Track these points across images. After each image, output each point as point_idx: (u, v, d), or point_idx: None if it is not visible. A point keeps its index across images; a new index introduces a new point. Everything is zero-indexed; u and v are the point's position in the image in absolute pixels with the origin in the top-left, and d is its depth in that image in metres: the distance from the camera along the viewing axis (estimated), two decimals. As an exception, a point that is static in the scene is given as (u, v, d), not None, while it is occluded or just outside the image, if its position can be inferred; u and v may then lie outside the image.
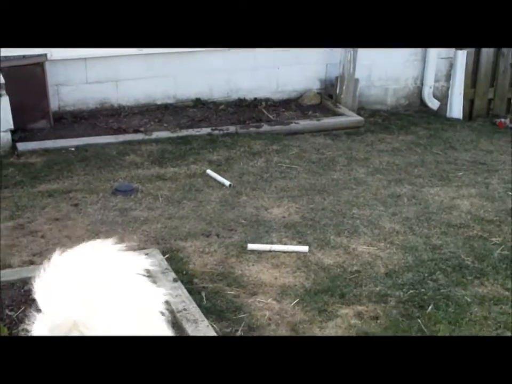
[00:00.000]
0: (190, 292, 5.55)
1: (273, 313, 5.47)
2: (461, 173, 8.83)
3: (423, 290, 5.80)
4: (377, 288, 5.86)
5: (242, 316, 5.40)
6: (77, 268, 3.01)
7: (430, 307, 5.53)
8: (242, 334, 5.15)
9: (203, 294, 5.67)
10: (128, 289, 3.03)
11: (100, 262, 3.03)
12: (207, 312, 5.38)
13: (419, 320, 5.34)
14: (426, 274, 6.08)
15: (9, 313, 5.06)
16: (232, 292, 5.76)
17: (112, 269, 3.04)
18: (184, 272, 6.00)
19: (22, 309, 5.10)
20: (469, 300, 5.68)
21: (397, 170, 8.95)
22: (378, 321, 5.38)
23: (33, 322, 3.33)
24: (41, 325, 3.13)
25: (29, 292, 5.41)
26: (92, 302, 2.90)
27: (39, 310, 3.20)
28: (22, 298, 5.30)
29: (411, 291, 5.79)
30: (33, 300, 4.91)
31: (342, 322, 5.35)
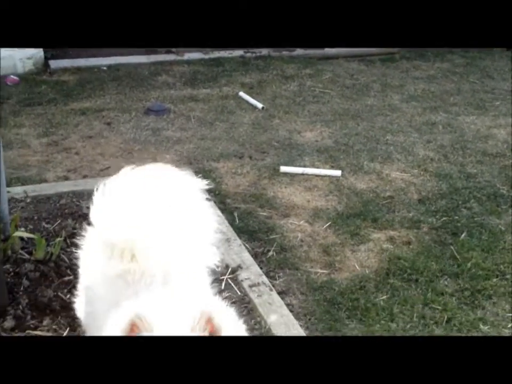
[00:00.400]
0: (222, 212, 5.56)
1: (306, 235, 5.48)
2: (498, 102, 8.64)
3: (456, 217, 5.76)
4: (410, 214, 5.83)
5: (274, 236, 5.42)
6: (136, 186, 3.03)
7: (463, 234, 5.49)
8: (274, 254, 5.17)
9: (235, 214, 5.69)
10: (184, 210, 3.05)
11: (158, 181, 3.05)
12: (239, 232, 5.40)
13: (452, 247, 5.32)
14: (460, 202, 6.03)
15: (45, 225, 5.12)
16: (265, 213, 5.77)
17: (169, 188, 3.06)
18: (216, 193, 6.01)
19: (58, 222, 5.16)
20: (502, 228, 5.63)
21: (432, 97, 8.79)
22: (411, 246, 5.37)
23: (85, 237, 3.38)
24: (94, 240, 3.17)
25: (64, 206, 5.48)
26: (150, 223, 2.92)
27: (90, 224, 3.24)
28: (58, 211, 5.36)
29: (444, 218, 5.75)
30: (70, 214, 4.97)
31: (374, 246, 5.35)
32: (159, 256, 2.83)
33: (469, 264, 5.09)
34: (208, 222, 3.12)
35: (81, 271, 3.44)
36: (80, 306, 3.46)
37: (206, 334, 2.35)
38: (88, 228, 3.32)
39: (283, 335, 4.16)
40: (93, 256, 3.11)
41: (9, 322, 4.07)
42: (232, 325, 2.60)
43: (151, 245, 2.84)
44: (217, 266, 3.16)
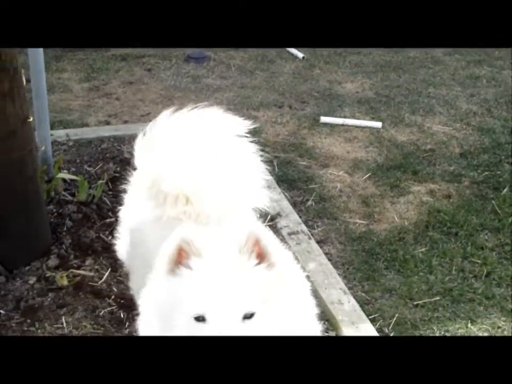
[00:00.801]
0: (262, 161, 5.54)
1: (345, 186, 5.46)
2: (545, 57, 8.42)
3: (498, 172, 5.67)
4: (451, 168, 5.76)
5: (313, 186, 5.41)
6: (183, 130, 3.00)
7: (505, 189, 5.42)
8: (313, 203, 5.17)
9: (275, 163, 5.68)
10: (231, 152, 3.03)
11: (204, 124, 3.02)
12: (279, 180, 5.41)
13: (493, 202, 5.25)
14: (503, 157, 5.93)
15: (87, 168, 5.18)
16: (304, 163, 5.76)
17: (216, 131, 3.03)
18: (255, 141, 5.97)
19: (99, 165, 5.22)
20: (546, 184, 5.54)
21: (476, 51, 8.58)
22: (451, 199, 5.32)
23: (129, 180, 3.39)
24: (140, 184, 3.16)
25: (106, 150, 5.53)
26: (200, 167, 2.91)
27: (135, 169, 3.25)
28: (99, 155, 5.41)
29: (486, 172, 5.67)
30: (111, 158, 5.00)
31: (413, 199, 5.32)
32: (213, 198, 2.83)
33: (510, 219, 5.03)
34: (256, 163, 3.10)
35: (125, 214, 3.47)
36: (122, 248, 3.50)
37: (253, 256, 2.33)
38: (133, 171, 3.34)
39: (321, 283, 4.19)
40: (139, 200, 3.12)
41: (53, 261, 4.16)
42: (279, 248, 2.58)
43: (205, 189, 2.84)
44: (267, 208, 3.14)
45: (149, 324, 2.47)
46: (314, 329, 2.58)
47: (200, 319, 2.22)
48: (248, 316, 2.22)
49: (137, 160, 3.13)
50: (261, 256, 2.34)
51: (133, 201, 3.28)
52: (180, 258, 2.32)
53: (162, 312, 2.35)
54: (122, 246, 3.47)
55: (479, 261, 4.61)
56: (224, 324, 2.18)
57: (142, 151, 3.10)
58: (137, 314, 3.73)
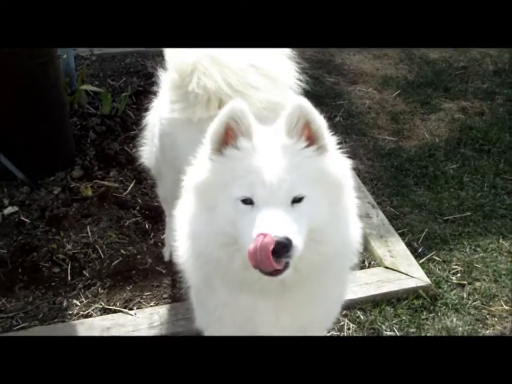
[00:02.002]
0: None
1: (374, 102, 5.31)
2: None
3: (534, 89, 5.49)
4: (485, 85, 5.57)
5: (341, 102, 5.26)
6: None
7: (542, 106, 5.25)
8: (341, 119, 5.04)
9: (302, 78, 5.52)
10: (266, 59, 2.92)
11: None
12: (306, 96, 5.17)
13: (527, 119, 5.09)
14: (539, 74, 5.72)
15: (111, 82, 5.08)
16: (332, 79, 5.59)
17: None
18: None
19: (123, 79, 5.11)
20: None
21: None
22: (484, 117, 5.15)
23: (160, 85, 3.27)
24: (170, 87, 3.03)
25: (129, 65, 5.40)
26: (235, 73, 2.80)
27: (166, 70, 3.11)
28: (123, 70, 5.30)
29: (521, 90, 5.48)
30: (135, 72, 4.88)
31: (445, 116, 5.16)
32: (258, 96, 2.73)
33: (545, 137, 4.88)
34: (287, 65, 2.97)
35: (153, 118, 3.34)
36: (148, 154, 3.39)
37: (303, 139, 2.15)
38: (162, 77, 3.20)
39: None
40: (169, 102, 3.00)
41: (77, 172, 4.11)
42: (327, 132, 2.31)
43: (239, 92, 2.73)
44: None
45: (188, 205, 2.34)
46: (356, 225, 2.46)
47: (247, 201, 2.08)
48: (297, 200, 2.08)
49: (168, 58, 2.98)
50: (312, 138, 2.17)
51: (162, 104, 3.15)
52: (227, 138, 2.16)
53: (205, 192, 2.20)
54: (148, 152, 3.36)
55: (511, 178, 4.49)
56: (273, 207, 2.04)
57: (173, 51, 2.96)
58: (163, 225, 3.72)
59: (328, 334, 3.33)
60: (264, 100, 2.74)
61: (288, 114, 2.14)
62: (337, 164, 2.22)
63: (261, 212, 2.04)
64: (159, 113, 3.10)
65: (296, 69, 2.97)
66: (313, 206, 2.12)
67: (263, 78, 2.79)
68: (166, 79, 3.03)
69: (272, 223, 1.99)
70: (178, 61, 2.85)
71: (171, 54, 2.92)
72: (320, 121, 2.21)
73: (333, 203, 2.18)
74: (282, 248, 1.94)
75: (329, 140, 2.24)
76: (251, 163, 2.11)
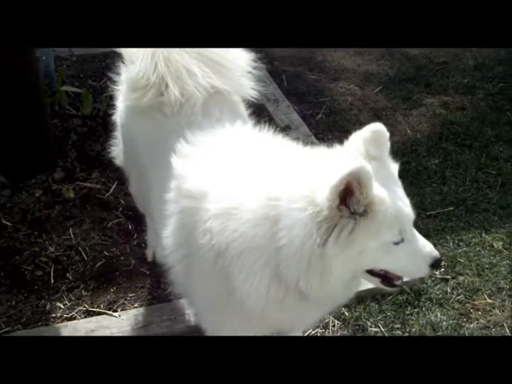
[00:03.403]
0: (271, 74, 5.40)
1: (356, 99, 5.32)
2: None
3: (515, 83, 5.51)
4: (465, 80, 5.59)
5: (323, 99, 5.27)
6: None
7: (521, 100, 5.27)
8: (324, 116, 5.04)
9: (283, 76, 5.52)
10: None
11: None
12: (288, 94, 5.25)
13: (508, 113, 5.12)
14: (519, 68, 5.75)
15: (92, 83, 5.04)
16: (314, 76, 5.59)
17: None
18: (264, 55, 5.81)
19: (104, 80, 5.07)
20: None
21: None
22: (465, 111, 5.17)
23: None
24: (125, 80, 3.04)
25: (110, 65, 5.36)
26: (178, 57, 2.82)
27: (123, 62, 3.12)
28: (103, 70, 5.25)
29: (501, 84, 5.50)
30: (116, 72, 4.84)
31: (426, 111, 5.18)
32: (196, 82, 2.74)
33: (526, 130, 4.92)
34: (240, 54, 2.96)
35: (117, 116, 3.34)
36: (118, 153, 3.38)
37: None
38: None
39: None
40: (125, 96, 3.02)
41: (59, 174, 4.09)
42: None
43: (186, 73, 2.75)
44: (256, 100, 3.02)
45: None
46: None
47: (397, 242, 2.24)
48: None
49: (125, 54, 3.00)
50: None
51: (121, 100, 3.15)
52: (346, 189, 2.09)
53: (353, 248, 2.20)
54: (118, 150, 3.35)
55: (493, 172, 4.52)
56: (418, 237, 2.31)
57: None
58: (146, 226, 3.70)
59: (313, 332, 3.33)
60: (202, 86, 2.74)
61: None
62: None
63: (418, 241, 2.27)
64: (119, 107, 3.11)
65: (251, 57, 2.97)
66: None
67: (205, 65, 2.80)
68: (123, 71, 3.04)
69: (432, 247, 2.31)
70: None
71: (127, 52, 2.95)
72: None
73: None
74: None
75: None
76: (392, 208, 2.17)
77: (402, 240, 2.22)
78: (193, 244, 2.44)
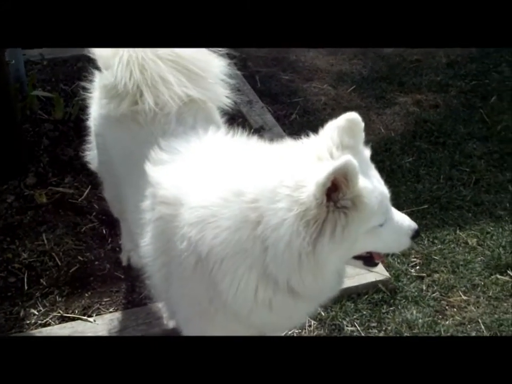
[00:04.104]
0: (244, 75, 5.39)
1: (329, 99, 5.33)
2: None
3: (487, 81, 5.54)
4: (438, 78, 5.62)
5: (297, 99, 5.27)
6: None
7: (494, 98, 5.30)
8: (298, 117, 5.05)
9: (257, 77, 5.52)
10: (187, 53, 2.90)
11: None
12: (261, 95, 5.25)
13: (481, 110, 5.15)
14: (491, 66, 5.77)
15: (63, 87, 5.00)
16: (287, 77, 5.59)
17: None
18: (237, 56, 5.79)
19: (75, 84, 5.02)
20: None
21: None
22: (438, 109, 5.20)
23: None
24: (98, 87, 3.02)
25: (82, 69, 5.31)
26: (153, 64, 2.80)
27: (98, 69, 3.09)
28: (75, 74, 5.20)
29: (474, 82, 5.54)
30: (86, 76, 4.80)
31: (400, 110, 5.20)
32: (171, 91, 2.73)
33: (498, 127, 4.95)
34: (214, 61, 2.94)
35: (90, 121, 3.33)
36: (92, 158, 3.36)
37: None
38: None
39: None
40: (99, 103, 3.00)
41: (31, 179, 4.05)
42: None
43: (160, 80, 2.73)
44: (230, 109, 3.00)
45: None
46: None
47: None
48: None
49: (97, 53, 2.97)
50: None
51: (94, 108, 3.13)
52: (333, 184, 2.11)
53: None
54: (93, 155, 3.33)
55: (467, 169, 4.55)
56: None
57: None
58: (120, 230, 3.67)
59: (290, 332, 3.33)
60: (177, 95, 2.73)
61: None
62: None
63: (398, 218, 2.35)
64: (93, 114, 3.09)
65: (225, 64, 2.96)
66: None
67: (180, 74, 2.79)
68: (97, 78, 3.02)
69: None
70: (102, 54, 2.86)
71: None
72: None
73: None
74: None
75: None
76: (375, 194, 2.23)
77: (385, 220, 2.29)
78: (172, 251, 2.42)
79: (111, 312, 3.37)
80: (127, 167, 2.78)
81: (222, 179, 2.35)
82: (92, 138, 3.25)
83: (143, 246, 2.57)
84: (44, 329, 3.26)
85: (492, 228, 4.03)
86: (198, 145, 2.60)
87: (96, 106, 3.01)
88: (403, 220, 2.37)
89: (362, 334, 3.36)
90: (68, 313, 3.35)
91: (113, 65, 2.79)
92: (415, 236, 2.39)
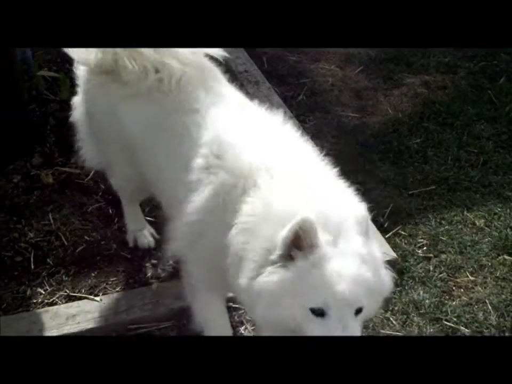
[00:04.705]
0: (251, 56, 5.36)
1: (337, 80, 5.29)
2: None
3: (495, 62, 5.49)
4: (446, 59, 5.57)
5: (304, 80, 5.24)
6: None
7: (502, 79, 5.26)
8: (305, 98, 5.02)
9: (264, 58, 5.48)
10: None
11: None
12: (268, 76, 5.21)
13: (489, 92, 5.11)
14: (499, 47, 5.73)
15: (69, 67, 4.79)
16: (294, 58, 5.56)
17: None
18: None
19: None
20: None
21: None
22: (446, 90, 5.17)
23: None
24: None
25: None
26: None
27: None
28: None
29: (482, 63, 5.49)
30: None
31: (408, 91, 5.16)
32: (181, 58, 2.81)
33: (507, 108, 4.92)
34: None
35: (79, 114, 3.38)
36: (90, 152, 3.41)
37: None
38: None
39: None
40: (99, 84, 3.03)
41: (37, 160, 4.05)
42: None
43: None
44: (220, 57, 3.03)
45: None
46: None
47: (317, 312, 2.14)
48: (359, 310, 2.18)
49: None
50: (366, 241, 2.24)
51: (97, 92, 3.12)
52: (297, 243, 2.15)
53: (273, 298, 2.19)
54: (89, 150, 3.41)
55: (475, 150, 4.52)
56: (346, 322, 2.14)
57: None
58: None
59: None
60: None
61: (359, 222, 2.21)
62: (388, 274, 2.36)
63: (333, 326, 2.12)
64: (88, 106, 3.12)
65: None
66: (367, 313, 2.25)
67: None
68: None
69: None
70: None
71: None
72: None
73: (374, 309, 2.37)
74: None
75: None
76: (324, 274, 2.12)
77: (322, 315, 2.17)
78: (216, 214, 2.46)
79: (117, 291, 3.37)
80: (157, 137, 2.80)
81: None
82: (82, 132, 3.31)
83: (191, 201, 2.56)
84: (50, 308, 3.26)
85: (499, 209, 4.02)
86: (258, 119, 2.69)
87: (98, 95, 3.02)
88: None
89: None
90: (74, 293, 3.35)
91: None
92: None
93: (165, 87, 2.80)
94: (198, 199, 2.52)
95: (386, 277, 2.35)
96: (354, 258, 2.17)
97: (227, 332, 2.94)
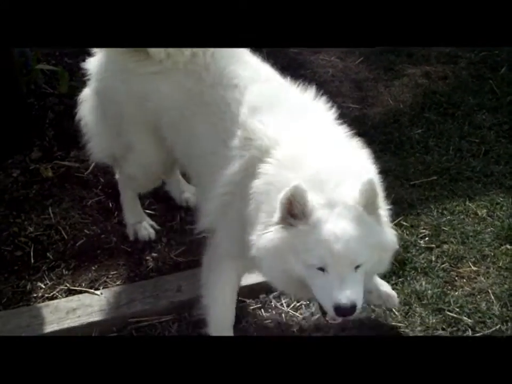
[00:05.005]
0: (251, 49, 5.33)
1: (337, 71, 5.26)
2: None
3: (496, 52, 5.44)
4: (447, 49, 5.52)
5: (304, 72, 5.20)
6: None
7: (503, 69, 5.22)
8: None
9: (264, 50, 5.43)
10: None
11: None
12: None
13: (491, 81, 5.07)
14: (500, 36, 5.69)
15: (68, 61, 4.96)
16: (294, 50, 5.52)
17: None
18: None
19: (80, 57, 4.98)
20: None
21: None
22: (447, 81, 5.13)
23: None
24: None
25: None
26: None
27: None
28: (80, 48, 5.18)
29: (483, 53, 5.44)
30: (92, 50, 4.74)
31: (408, 81, 5.13)
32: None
33: (508, 98, 4.88)
34: None
35: (85, 110, 3.47)
36: (100, 144, 3.40)
37: (367, 209, 2.44)
38: None
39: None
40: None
41: (36, 154, 4.04)
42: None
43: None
44: None
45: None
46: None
47: (319, 268, 2.37)
48: (357, 267, 2.41)
49: None
50: (372, 208, 2.45)
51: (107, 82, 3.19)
52: (292, 209, 2.37)
53: (275, 255, 2.44)
54: (98, 142, 3.41)
55: (476, 140, 4.49)
56: (344, 276, 2.36)
57: None
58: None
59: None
60: None
61: (364, 190, 2.40)
62: (391, 232, 2.57)
63: (333, 281, 2.35)
64: (108, 89, 3.16)
65: None
66: (369, 268, 2.48)
67: None
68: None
69: (343, 294, 2.34)
70: None
71: None
72: (381, 193, 2.60)
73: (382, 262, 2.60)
74: (348, 314, 2.37)
75: (385, 211, 2.59)
76: (320, 235, 2.35)
77: (323, 270, 2.42)
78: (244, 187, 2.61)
79: (118, 285, 3.37)
80: (196, 111, 2.87)
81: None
82: (89, 126, 3.38)
83: (223, 174, 2.71)
84: (50, 302, 3.26)
85: (501, 199, 3.99)
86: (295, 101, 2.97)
87: (123, 78, 3.05)
88: (341, 290, 2.35)
89: (371, 307, 3.33)
90: (74, 286, 3.35)
91: None
92: (337, 310, 2.37)
93: (200, 61, 2.87)
94: (229, 172, 2.70)
95: (388, 233, 2.55)
96: (350, 218, 2.38)
97: (229, 315, 3.02)
